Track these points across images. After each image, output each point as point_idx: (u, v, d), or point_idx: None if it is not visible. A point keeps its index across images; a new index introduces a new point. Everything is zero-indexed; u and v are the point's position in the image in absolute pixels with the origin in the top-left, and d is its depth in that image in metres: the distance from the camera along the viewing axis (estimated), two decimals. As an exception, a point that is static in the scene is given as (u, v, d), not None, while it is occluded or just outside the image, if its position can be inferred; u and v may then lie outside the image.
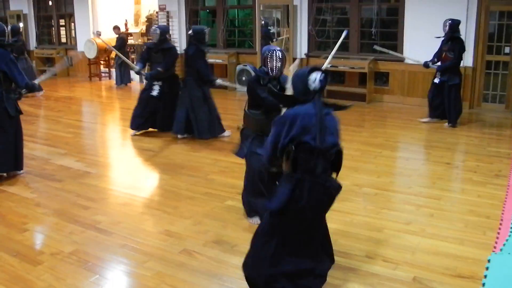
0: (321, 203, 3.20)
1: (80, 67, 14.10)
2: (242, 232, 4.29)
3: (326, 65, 4.92)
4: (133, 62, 13.39)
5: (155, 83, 7.60)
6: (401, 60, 9.76)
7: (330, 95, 10.71)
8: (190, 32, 7.49)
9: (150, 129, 7.84)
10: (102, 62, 13.74)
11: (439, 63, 8.09)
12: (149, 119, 7.72)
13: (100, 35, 13.18)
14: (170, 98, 7.64)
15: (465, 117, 8.81)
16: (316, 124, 3.01)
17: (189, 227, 4.43)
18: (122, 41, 12.34)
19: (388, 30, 10.34)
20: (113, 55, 13.48)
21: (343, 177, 5.51)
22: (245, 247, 3.97)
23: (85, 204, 5.00)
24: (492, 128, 8.23)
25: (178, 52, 8.46)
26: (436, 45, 8.22)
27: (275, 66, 4.28)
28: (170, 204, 4.99)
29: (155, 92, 7.63)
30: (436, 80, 8.18)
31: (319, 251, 3.35)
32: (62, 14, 14.88)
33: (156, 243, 4.13)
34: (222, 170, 6.01)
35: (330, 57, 5.09)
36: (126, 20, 13.77)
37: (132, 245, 4.09)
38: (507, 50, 9.04)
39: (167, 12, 12.53)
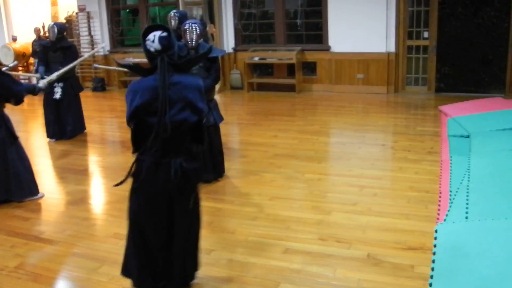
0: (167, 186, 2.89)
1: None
2: (194, 227, 4.26)
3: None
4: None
5: (56, 85, 7.29)
6: (327, 49, 10.06)
7: (260, 88, 10.88)
8: None
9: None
10: (20, 68, 13.09)
11: None
12: (61, 125, 7.56)
13: (15, 40, 12.59)
14: (74, 100, 7.62)
15: (391, 100, 9.23)
16: (159, 101, 2.71)
17: (139, 228, 4.33)
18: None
19: (313, 21, 10.55)
20: (32, 60, 12.89)
21: (285, 166, 5.69)
22: (200, 243, 3.97)
23: (24, 215, 4.74)
24: (418, 109, 8.64)
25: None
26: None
27: (192, 38, 4.89)
28: (115, 207, 4.83)
29: (57, 95, 7.41)
30: None
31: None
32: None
33: (107, 247, 3.99)
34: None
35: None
36: (43, 23, 13.18)
37: (81, 252, 3.93)
38: (426, 34, 9.52)
39: (88, 13, 12.15)
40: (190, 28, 4.89)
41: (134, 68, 3.14)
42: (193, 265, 3.21)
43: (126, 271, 3.17)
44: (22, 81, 11.19)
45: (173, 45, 2.83)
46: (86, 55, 7.35)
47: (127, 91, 2.86)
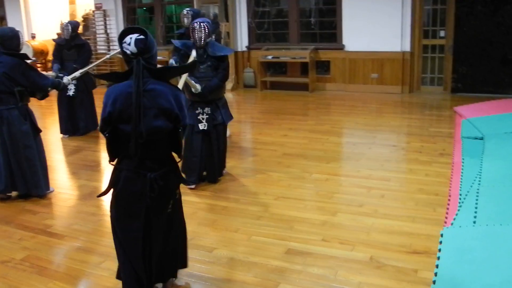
0: (143, 197, 2.80)
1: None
2: (197, 225, 4.24)
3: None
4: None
5: None
6: (341, 48, 9.99)
7: (273, 87, 10.84)
8: None
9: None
10: (39, 65, 13.24)
11: None
12: (74, 122, 7.65)
13: (34, 37, 12.74)
14: (87, 96, 7.70)
15: (405, 101, 9.12)
16: (133, 107, 2.64)
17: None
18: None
19: (327, 19, 10.48)
20: (50, 57, 13.03)
21: (293, 165, 5.66)
22: (202, 239, 3.96)
23: (34, 209, 4.79)
24: (432, 110, 8.52)
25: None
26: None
27: (200, 37, 4.83)
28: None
29: (70, 92, 7.48)
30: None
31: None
32: (-8, 16, 14.22)
33: (111, 243, 3.92)
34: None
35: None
36: (61, 21, 13.32)
37: (86, 247, 3.95)
38: (442, 33, 9.39)
39: (104, 11, 12.24)
40: (199, 27, 4.83)
41: (109, 76, 3.09)
42: (173, 265, 3.18)
43: (119, 275, 3.15)
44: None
45: (151, 49, 2.74)
46: (109, 54, 7.39)
47: (104, 96, 2.79)
